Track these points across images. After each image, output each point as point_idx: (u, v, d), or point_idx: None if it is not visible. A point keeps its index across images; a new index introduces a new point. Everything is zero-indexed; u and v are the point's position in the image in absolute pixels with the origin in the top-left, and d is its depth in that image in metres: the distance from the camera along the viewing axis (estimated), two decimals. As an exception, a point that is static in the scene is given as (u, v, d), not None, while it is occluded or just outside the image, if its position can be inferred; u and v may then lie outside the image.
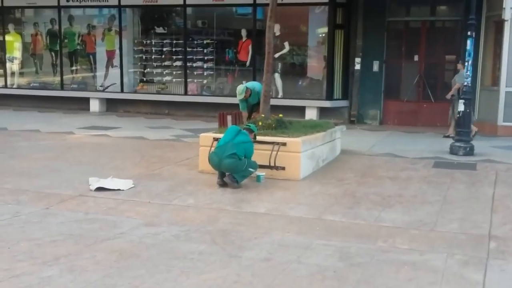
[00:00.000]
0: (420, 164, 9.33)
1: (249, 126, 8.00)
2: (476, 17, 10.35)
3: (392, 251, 5.44)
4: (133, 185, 7.69)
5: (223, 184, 7.63)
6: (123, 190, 7.47)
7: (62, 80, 17.15)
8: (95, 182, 7.63)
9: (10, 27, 17.70)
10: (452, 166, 9.14)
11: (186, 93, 15.78)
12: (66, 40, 17.17)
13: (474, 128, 10.90)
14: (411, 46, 14.23)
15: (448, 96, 11.94)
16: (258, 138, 8.20)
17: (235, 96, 9.93)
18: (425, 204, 7.00)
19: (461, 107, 10.12)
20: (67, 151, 10.26)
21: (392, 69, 14.44)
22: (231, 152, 7.47)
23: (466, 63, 10.23)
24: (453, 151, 10.09)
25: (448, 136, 11.75)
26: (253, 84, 10.15)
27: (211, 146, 8.24)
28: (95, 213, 6.55)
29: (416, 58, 14.12)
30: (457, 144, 10.09)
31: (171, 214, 6.55)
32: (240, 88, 9.73)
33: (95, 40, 16.85)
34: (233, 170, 7.52)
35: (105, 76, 16.83)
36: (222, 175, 7.66)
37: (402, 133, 12.95)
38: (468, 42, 10.10)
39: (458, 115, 10.30)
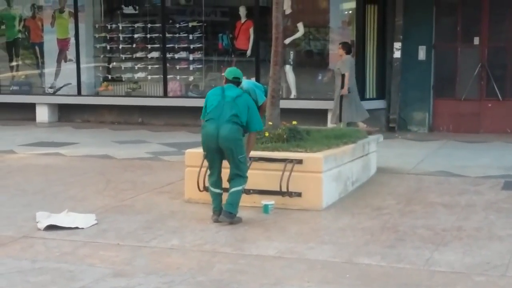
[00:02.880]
0: (486, 185, 9.29)
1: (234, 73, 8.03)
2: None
3: (450, 305, 5.44)
4: (96, 222, 7.69)
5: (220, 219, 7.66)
6: (82, 228, 7.46)
7: (-2, 80, 17.28)
8: (44, 219, 7.62)
9: None
10: (529, 187, 9.14)
11: (166, 95, 15.83)
12: (3, 26, 17.28)
13: (362, 125, 12.37)
14: (469, 25, 14.25)
15: (345, 92, 12.67)
16: (265, 154, 8.20)
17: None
18: (494, 240, 6.97)
19: None
20: (6, 176, 10.27)
21: (444, 57, 14.45)
22: (232, 112, 7.52)
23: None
24: (529, 166, 10.09)
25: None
26: (244, 84, 10.13)
27: (201, 166, 8.26)
28: (46, 260, 6.53)
29: (476, 41, 14.14)
30: (535, 156, 10.12)
31: (148, 259, 6.54)
32: None
33: (42, 25, 16.94)
34: (232, 148, 7.47)
35: (56, 73, 16.90)
36: (218, 206, 7.67)
37: (459, 143, 12.94)
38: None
39: None
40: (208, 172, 7.84)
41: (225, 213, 7.58)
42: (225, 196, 7.68)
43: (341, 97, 12.73)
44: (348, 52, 12.98)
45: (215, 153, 7.61)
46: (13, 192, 9.28)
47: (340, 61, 12.93)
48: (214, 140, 7.52)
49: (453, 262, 6.33)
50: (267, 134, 8.73)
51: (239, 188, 7.62)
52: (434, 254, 6.53)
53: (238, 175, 7.60)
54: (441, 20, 14.41)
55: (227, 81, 7.94)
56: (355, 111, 12.91)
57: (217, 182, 7.73)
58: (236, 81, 7.93)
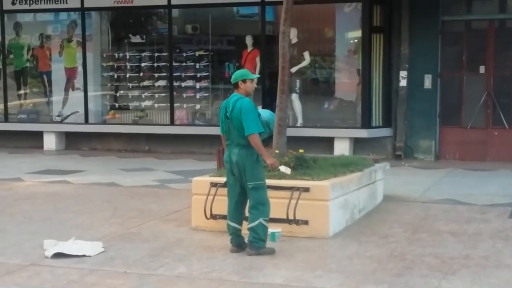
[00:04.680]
0: (493, 213, 9.27)
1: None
2: None
3: (458, 334, 5.41)
4: (103, 249, 7.69)
5: (238, 250, 7.57)
6: (89, 256, 7.46)
7: (6, 108, 17.32)
8: (52, 246, 7.62)
9: None
10: (537, 216, 9.10)
11: (172, 123, 15.88)
12: (11, 56, 17.39)
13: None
14: (475, 54, 14.30)
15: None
16: (272, 182, 8.19)
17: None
18: (501, 268, 6.94)
19: None
20: (14, 204, 10.29)
21: (450, 85, 14.48)
22: (236, 134, 7.44)
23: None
24: (537, 194, 10.07)
25: None
26: (262, 113, 10.16)
27: (208, 194, 8.26)
28: (53, 288, 6.53)
29: (482, 69, 14.18)
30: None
31: None
32: None
33: (50, 54, 17.05)
34: (242, 174, 7.40)
35: (64, 102, 16.99)
36: (234, 238, 7.61)
37: (466, 171, 12.92)
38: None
39: None
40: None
41: (249, 245, 7.50)
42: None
43: None
44: None
45: (234, 181, 7.56)
46: (20, 219, 9.29)
47: None
48: (229, 166, 7.52)
49: (461, 290, 6.31)
50: (274, 162, 8.73)
51: (255, 223, 7.43)
52: (442, 283, 6.50)
53: (254, 208, 7.44)
54: (447, 48, 14.47)
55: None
56: None
57: (232, 214, 7.62)
58: (234, 85, 7.61)
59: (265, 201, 7.50)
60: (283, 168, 7.86)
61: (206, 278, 6.76)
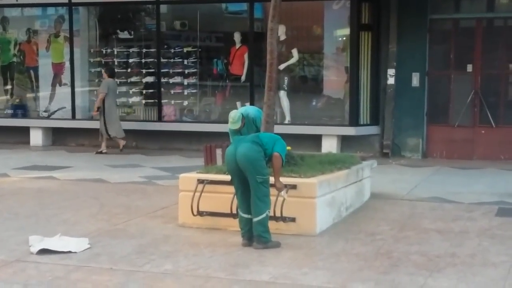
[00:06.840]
0: (479, 211, 9.30)
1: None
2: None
3: (444, 332, 5.42)
4: (89, 246, 7.66)
5: (250, 244, 7.62)
6: (75, 252, 7.42)
7: (-8, 103, 17.28)
8: (37, 242, 7.58)
9: None
10: (523, 214, 9.14)
11: (160, 119, 15.86)
12: (-3, 50, 17.34)
13: (121, 142, 14.94)
14: (462, 53, 14.35)
15: (95, 111, 14.88)
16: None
17: (226, 122, 9.96)
18: (488, 266, 6.96)
19: None
20: None
21: (437, 84, 14.53)
22: (253, 137, 7.66)
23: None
24: (523, 193, 10.11)
25: (101, 153, 14.84)
26: (247, 110, 10.12)
27: (195, 190, 8.25)
28: (38, 284, 6.49)
29: (469, 68, 14.22)
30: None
31: (141, 284, 6.51)
32: (235, 115, 9.74)
33: (37, 49, 16.99)
34: (249, 168, 7.47)
35: (51, 97, 16.94)
36: (246, 231, 7.64)
37: (453, 169, 12.97)
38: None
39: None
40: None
41: (257, 239, 7.57)
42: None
43: (104, 115, 14.73)
44: (110, 75, 14.95)
45: (235, 175, 7.62)
46: (6, 215, 9.25)
47: (102, 84, 14.86)
48: (233, 159, 7.56)
49: (447, 288, 6.33)
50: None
51: (262, 216, 7.53)
52: (428, 281, 6.51)
53: (258, 201, 7.52)
54: (435, 47, 14.51)
55: None
56: (118, 128, 14.83)
57: (243, 206, 7.68)
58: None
59: (269, 194, 7.66)
60: (283, 193, 7.89)
61: (193, 275, 6.75)
